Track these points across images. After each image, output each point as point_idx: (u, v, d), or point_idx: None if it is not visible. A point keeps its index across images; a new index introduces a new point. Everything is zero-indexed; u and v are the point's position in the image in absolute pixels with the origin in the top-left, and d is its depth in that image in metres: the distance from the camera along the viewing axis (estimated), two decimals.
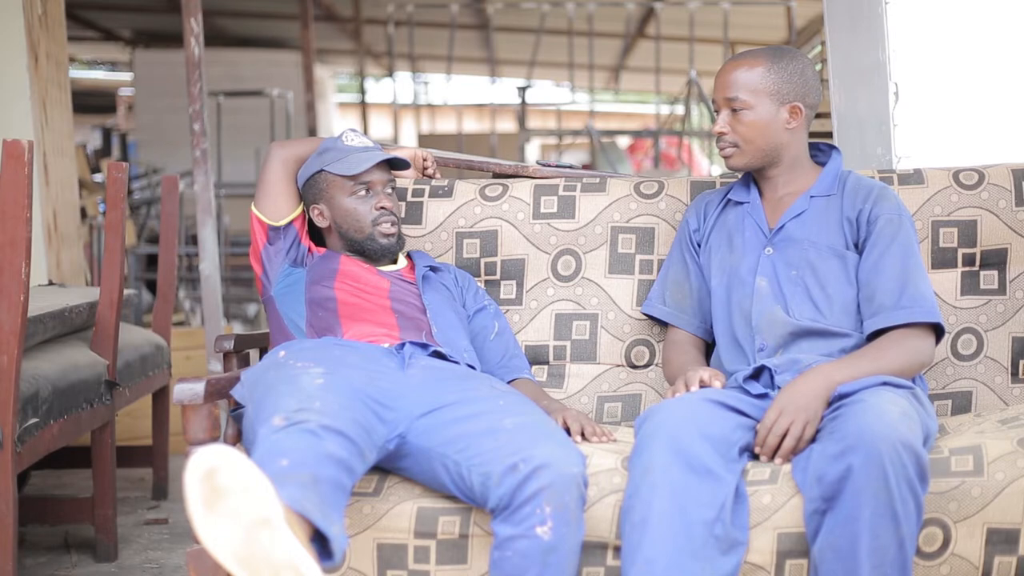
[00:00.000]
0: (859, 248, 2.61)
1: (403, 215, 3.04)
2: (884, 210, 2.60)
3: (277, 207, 2.86)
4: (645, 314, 2.91)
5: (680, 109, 11.17)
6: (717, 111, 2.68)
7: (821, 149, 2.76)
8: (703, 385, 2.48)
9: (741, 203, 2.74)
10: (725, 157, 2.67)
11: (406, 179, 3.11)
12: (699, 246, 2.79)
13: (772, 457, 2.35)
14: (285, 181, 2.88)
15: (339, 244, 2.86)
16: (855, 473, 2.16)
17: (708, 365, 2.73)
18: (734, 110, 2.63)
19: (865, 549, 2.15)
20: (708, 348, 2.79)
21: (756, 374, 2.53)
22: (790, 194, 2.69)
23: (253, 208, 2.87)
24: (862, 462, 2.16)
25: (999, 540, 2.25)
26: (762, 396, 2.46)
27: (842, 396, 2.36)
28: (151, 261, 8.14)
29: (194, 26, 4.62)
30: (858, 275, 2.58)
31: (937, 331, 2.55)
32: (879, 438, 2.16)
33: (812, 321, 2.56)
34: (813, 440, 2.35)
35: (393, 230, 2.82)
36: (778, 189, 2.70)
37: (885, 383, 2.38)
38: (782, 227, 2.65)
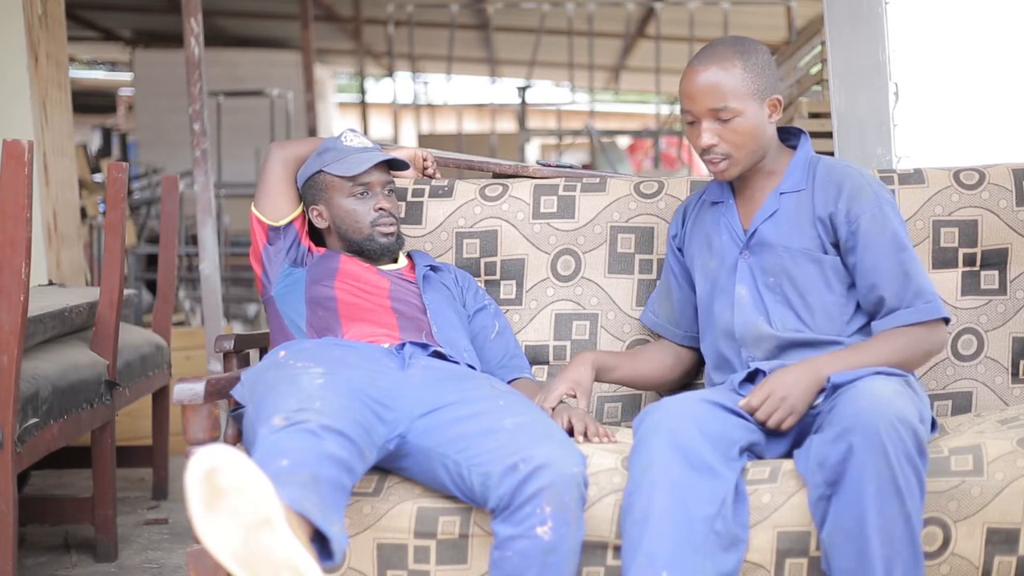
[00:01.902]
0: (838, 247, 2.53)
1: (403, 215, 3.04)
2: (863, 207, 2.50)
3: (277, 207, 2.86)
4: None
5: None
6: (692, 122, 2.53)
7: (792, 133, 2.65)
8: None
9: (716, 202, 2.67)
10: (719, 171, 2.54)
11: (406, 179, 3.11)
12: (681, 252, 2.76)
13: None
14: (285, 181, 2.88)
15: (338, 244, 2.86)
16: (856, 452, 2.17)
17: (700, 373, 2.75)
18: (722, 119, 2.49)
19: (873, 526, 2.16)
20: (698, 353, 2.79)
21: (751, 377, 2.53)
22: (761, 190, 2.60)
23: (253, 208, 2.87)
24: (861, 440, 2.17)
25: (999, 540, 2.26)
26: None
27: (836, 387, 2.37)
28: (151, 261, 8.14)
29: (194, 26, 4.62)
30: (855, 279, 2.52)
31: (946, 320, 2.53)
32: (875, 415, 2.18)
33: (796, 332, 2.53)
34: (811, 432, 2.36)
35: (392, 230, 2.82)
36: (750, 185, 2.60)
37: (878, 373, 2.38)
38: (755, 231, 2.57)
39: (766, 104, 2.52)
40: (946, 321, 2.52)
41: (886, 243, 2.49)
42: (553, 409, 2.58)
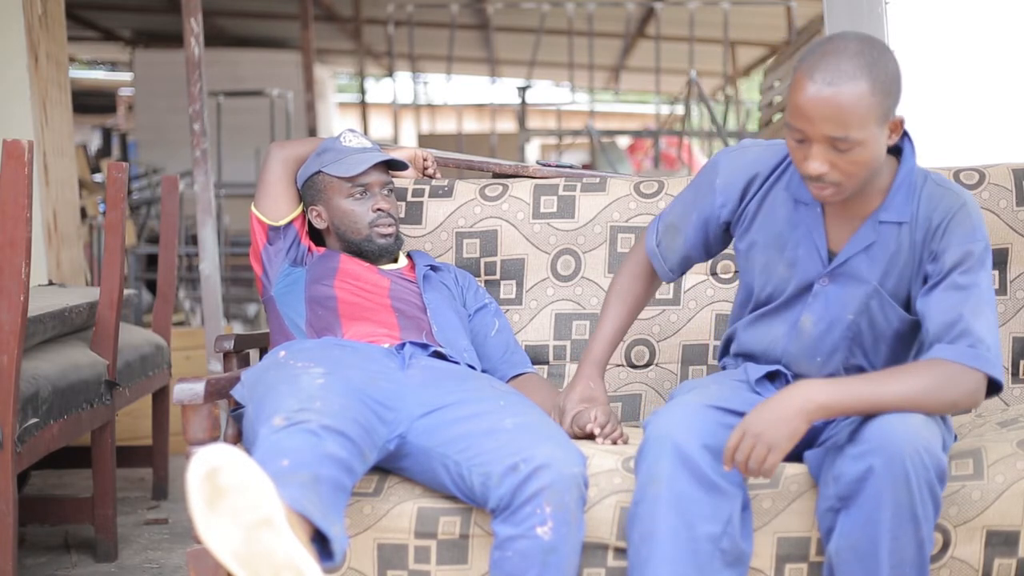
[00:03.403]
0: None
1: (402, 215, 3.04)
2: (951, 242, 2.23)
3: (277, 207, 2.86)
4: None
5: (680, 109, 11.17)
6: (801, 140, 2.16)
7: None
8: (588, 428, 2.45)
9: (799, 201, 2.33)
10: (823, 197, 2.20)
11: (406, 179, 3.11)
12: (727, 225, 2.44)
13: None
14: (285, 181, 2.88)
15: (338, 245, 2.86)
16: (876, 474, 2.12)
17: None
18: (839, 149, 2.13)
19: (885, 550, 2.13)
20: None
21: (772, 376, 2.42)
22: (857, 212, 2.29)
23: (253, 208, 2.88)
24: (883, 464, 2.11)
25: (998, 542, 2.25)
26: None
27: None
28: (151, 261, 8.15)
29: (194, 26, 4.62)
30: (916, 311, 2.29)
31: (991, 382, 2.20)
32: (901, 441, 2.11)
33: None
34: (821, 435, 2.32)
35: (390, 231, 2.82)
36: (848, 203, 2.28)
37: None
38: (846, 261, 2.30)
39: (887, 125, 2.17)
40: (995, 387, 2.21)
41: (954, 281, 2.22)
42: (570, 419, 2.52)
